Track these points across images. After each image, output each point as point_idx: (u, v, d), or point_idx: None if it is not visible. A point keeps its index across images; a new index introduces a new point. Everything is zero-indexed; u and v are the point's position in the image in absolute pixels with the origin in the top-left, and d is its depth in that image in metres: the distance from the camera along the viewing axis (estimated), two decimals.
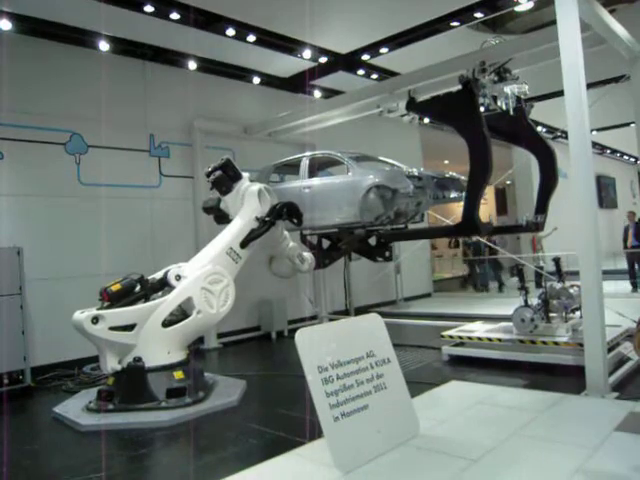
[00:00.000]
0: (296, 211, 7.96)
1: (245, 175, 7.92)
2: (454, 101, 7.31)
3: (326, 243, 9.81)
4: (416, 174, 8.47)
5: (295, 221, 8.00)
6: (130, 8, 8.42)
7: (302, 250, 8.88)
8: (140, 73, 10.35)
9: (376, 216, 8.51)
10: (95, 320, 6.19)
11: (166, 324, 6.55)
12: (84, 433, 5.86)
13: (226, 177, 7.73)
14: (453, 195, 8.87)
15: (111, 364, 6.40)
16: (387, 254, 10.06)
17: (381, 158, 9.83)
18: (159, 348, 6.51)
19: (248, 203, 7.64)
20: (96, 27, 9.10)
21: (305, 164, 9.67)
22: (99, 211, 9.40)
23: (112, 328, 6.29)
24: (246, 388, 7.09)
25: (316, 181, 9.47)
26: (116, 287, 6.52)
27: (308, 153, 10.08)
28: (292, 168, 10.20)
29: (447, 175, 8.90)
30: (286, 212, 7.79)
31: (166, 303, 6.59)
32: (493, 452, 4.52)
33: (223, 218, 8.15)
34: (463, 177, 8.86)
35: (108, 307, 6.42)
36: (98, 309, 6.38)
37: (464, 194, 7.50)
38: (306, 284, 12.45)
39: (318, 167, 9.96)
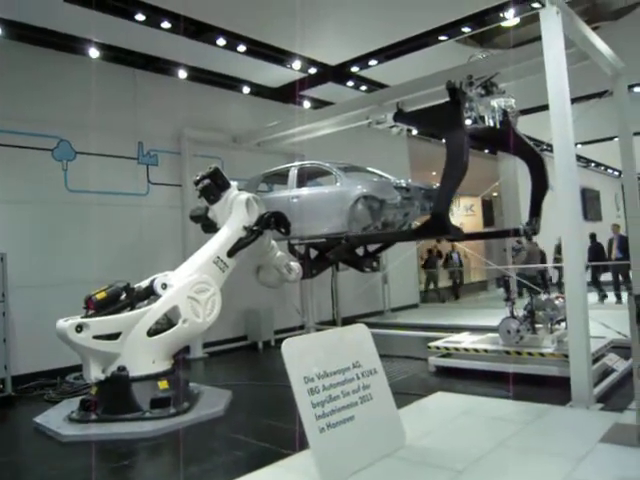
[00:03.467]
0: (284, 220, 7.96)
1: (233, 184, 7.90)
2: (440, 110, 7.41)
3: (313, 253, 9.80)
4: (404, 185, 8.51)
5: (283, 231, 8.00)
6: (121, 16, 8.43)
7: (290, 260, 8.87)
8: (130, 81, 10.34)
9: (364, 226, 8.52)
10: (79, 328, 6.12)
11: (151, 333, 6.50)
12: (66, 444, 5.78)
13: (214, 186, 7.70)
14: None
15: (95, 373, 6.32)
16: (375, 264, 10.07)
17: (369, 169, 9.87)
18: (144, 357, 6.45)
19: (236, 212, 7.62)
20: (87, 34, 9.11)
21: (294, 174, 9.64)
22: (86, 218, 9.36)
23: (96, 337, 6.22)
24: (232, 398, 7.04)
25: (305, 191, 9.45)
26: (101, 295, 6.46)
27: (297, 163, 10.07)
28: (281, 178, 10.19)
29: (434, 187, 8.93)
30: (274, 221, 7.78)
31: (152, 312, 6.54)
32: (479, 463, 4.53)
33: (211, 227, 8.08)
34: None
35: (93, 315, 6.35)
36: (82, 317, 6.31)
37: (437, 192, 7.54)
38: (293, 294, 12.44)
39: (307, 177, 9.98)
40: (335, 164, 9.32)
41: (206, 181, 7.67)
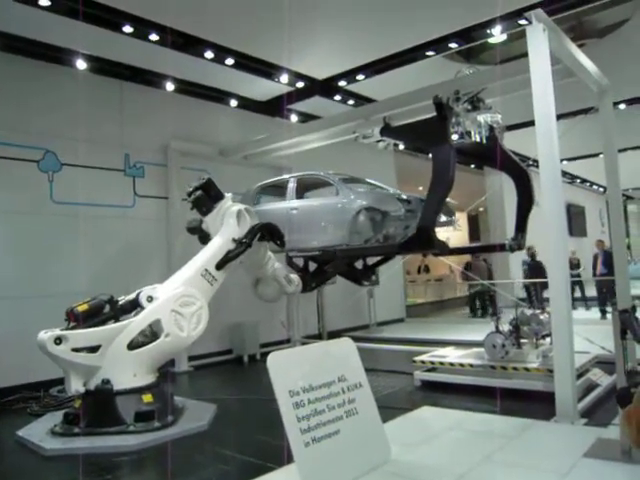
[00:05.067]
0: (276, 232, 7.82)
1: (227, 195, 7.78)
2: (427, 125, 7.47)
3: (312, 266, 9.56)
4: (405, 197, 8.36)
5: (278, 242, 7.87)
6: (109, 28, 8.43)
7: (288, 272, 8.75)
8: (117, 93, 10.33)
9: (365, 239, 8.31)
10: (58, 341, 6.04)
11: (134, 346, 6.42)
12: (48, 458, 5.70)
13: (206, 197, 7.59)
14: (443, 219, 8.71)
15: (75, 386, 6.23)
16: (373, 278, 9.95)
17: (369, 180, 9.71)
18: (125, 371, 6.35)
19: (226, 224, 7.51)
20: (74, 46, 9.10)
21: (292, 185, 9.40)
22: (72, 230, 9.30)
23: (75, 349, 6.14)
24: (216, 412, 6.98)
25: (304, 202, 9.25)
26: (82, 307, 6.39)
27: (295, 174, 9.80)
28: (278, 189, 9.96)
29: None
30: (266, 233, 7.66)
31: (132, 325, 6.45)
32: (464, 478, 4.51)
33: (207, 239, 7.87)
34: (453, 201, 8.85)
35: (74, 328, 6.28)
36: (63, 329, 6.23)
37: (424, 206, 7.49)
38: (279, 308, 12.38)
39: (304, 189, 9.78)
40: (336, 175, 9.12)
41: (198, 192, 7.57)
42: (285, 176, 10.08)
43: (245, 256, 7.51)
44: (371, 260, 10.00)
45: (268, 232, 7.72)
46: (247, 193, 10.11)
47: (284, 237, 7.97)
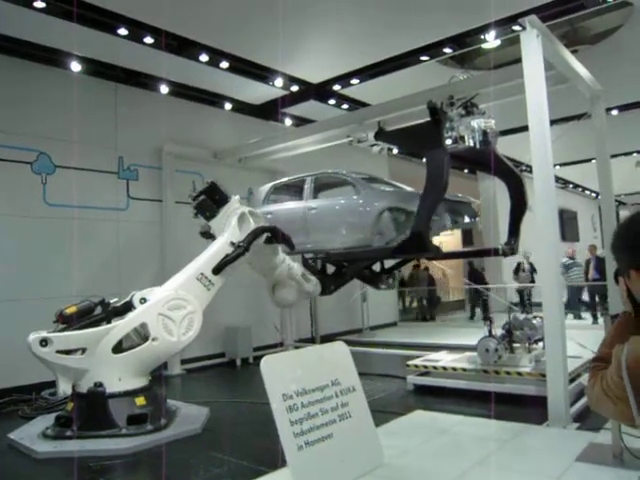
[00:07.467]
0: (279, 234, 7.54)
1: (234, 198, 7.52)
2: (421, 129, 7.49)
3: (329, 268, 9.31)
4: None
5: (287, 244, 7.69)
6: (104, 30, 8.42)
7: (305, 272, 8.48)
8: (111, 95, 10.31)
9: (387, 240, 8.09)
10: (43, 343, 6.01)
11: (126, 349, 6.36)
12: (40, 460, 5.66)
13: (210, 202, 7.38)
14: (466, 221, 8.47)
15: (63, 387, 6.18)
16: (390, 281, 9.79)
17: (387, 180, 9.52)
18: (111, 374, 6.28)
19: (227, 225, 7.29)
20: (68, 48, 9.09)
21: (310, 184, 9.07)
22: (64, 232, 9.25)
23: (61, 351, 6.10)
24: (209, 415, 6.95)
25: (323, 202, 8.94)
26: (71, 310, 6.34)
27: (312, 172, 9.38)
28: (292, 189, 9.72)
29: (458, 199, 8.44)
30: (271, 236, 7.43)
31: (117, 328, 6.36)
32: None
33: None
34: (477, 201, 8.77)
35: (63, 330, 6.24)
36: (50, 332, 6.19)
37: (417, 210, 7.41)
38: (273, 311, 12.36)
39: (318, 188, 9.38)
40: (356, 174, 8.88)
41: (201, 197, 7.38)
42: (301, 175, 9.60)
43: (256, 260, 7.33)
44: (388, 263, 9.80)
45: (273, 235, 7.46)
46: (257, 193, 9.86)
47: (290, 240, 7.70)
